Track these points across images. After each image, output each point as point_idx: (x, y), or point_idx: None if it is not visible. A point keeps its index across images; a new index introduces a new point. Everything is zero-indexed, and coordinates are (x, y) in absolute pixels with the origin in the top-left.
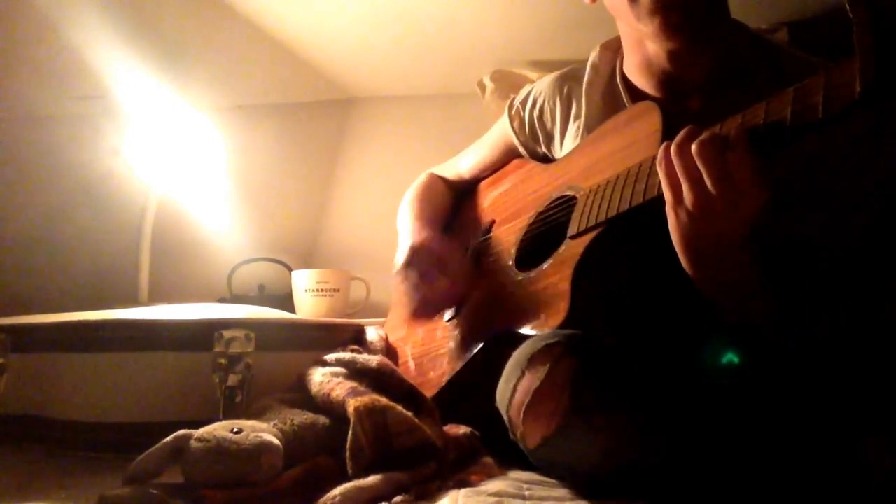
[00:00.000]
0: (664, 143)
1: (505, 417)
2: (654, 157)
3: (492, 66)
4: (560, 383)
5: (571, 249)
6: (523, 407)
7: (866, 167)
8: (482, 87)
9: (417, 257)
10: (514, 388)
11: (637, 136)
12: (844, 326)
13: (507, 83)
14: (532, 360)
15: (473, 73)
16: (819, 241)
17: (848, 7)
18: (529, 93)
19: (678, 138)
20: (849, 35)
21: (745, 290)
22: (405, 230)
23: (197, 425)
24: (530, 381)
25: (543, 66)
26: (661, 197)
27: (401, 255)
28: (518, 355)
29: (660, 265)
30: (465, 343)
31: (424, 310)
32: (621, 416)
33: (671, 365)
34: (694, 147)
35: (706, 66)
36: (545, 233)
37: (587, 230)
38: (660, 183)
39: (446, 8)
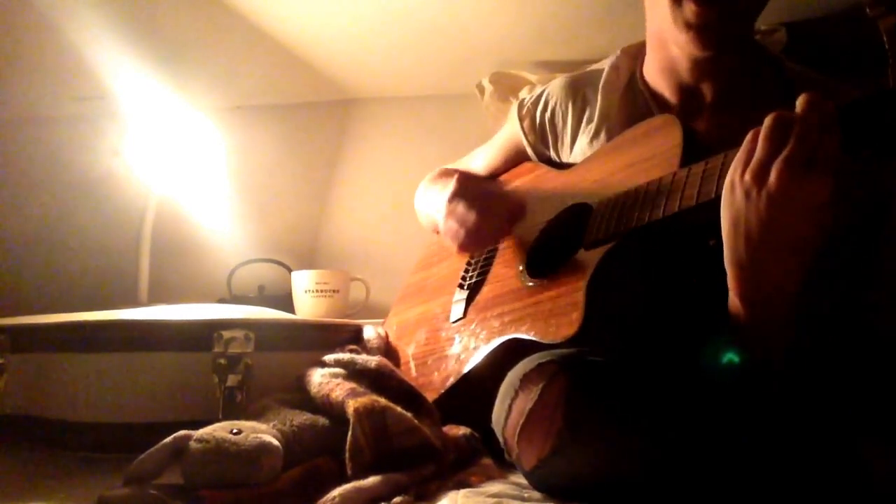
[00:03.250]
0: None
1: (500, 439)
2: (676, 174)
3: (491, 66)
4: (553, 403)
5: (586, 260)
6: (518, 428)
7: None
8: (481, 89)
9: (465, 186)
10: (508, 408)
11: (657, 149)
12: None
13: (506, 85)
14: (525, 380)
15: (473, 73)
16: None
17: (885, 39)
18: (541, 94)
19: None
20: (849, 39)
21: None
22: (432, 192)
23: (196, 426)
24: (524, 402)
25: (543, 67)
26: (680, 213)
27: (445, 194)
28: (512, 375)
29: (675, 283)
30: (471, 347)
31: (475, 239)
32: (616, 435)
33: (668, 377)
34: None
35: (722, 80)
36: (557, 240)
37: (603, 241)
38: (681, 199)
39: (446, 9)
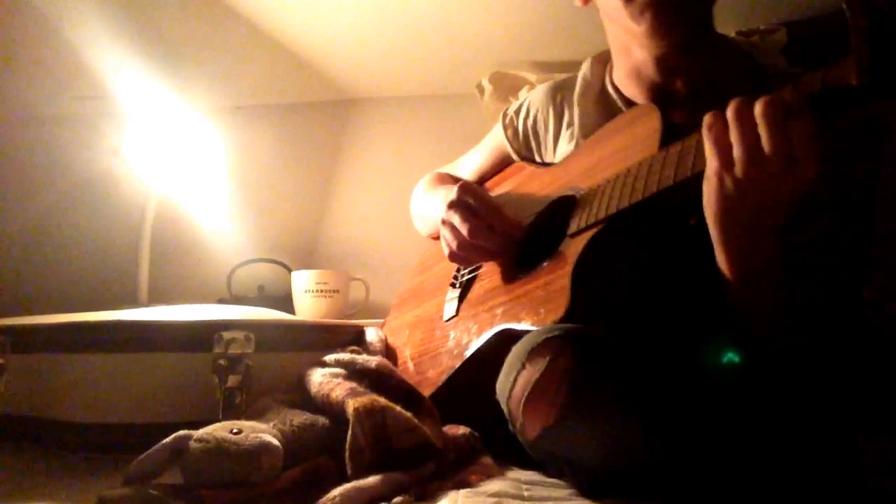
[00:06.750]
0: (712, 112)
1: (505, 409)
2: (653, 157)
3: (491, 66)
4: (559, 375)
5: (571, 247)
6: (523, 398)
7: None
8: (480, 89)
9: (465, 196)
10: (514, 380)
11: (637, 136)
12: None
13: (505, 85)
14: (532, 353)
15: (473, 73)
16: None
17: (844, 6)
18: (522, 103)
19: (736, 103)
20: (847, 37)
21: (769, 271)
22: (433, 198)
23: (196, 426)
24: (530, 374)
25: (542, 66)
26: (660, 194)
27: (441, 204)
28: (518, 348)
29: (660, 264)
30: (464, 341)
31: (468, 252)
32: (620, 409)
33: (671, 358)
34: (759, 108)
35: (691, 76)
36: (545, 233)
37: (587, 228)
38: (660, 179)
39: (445, 9)
